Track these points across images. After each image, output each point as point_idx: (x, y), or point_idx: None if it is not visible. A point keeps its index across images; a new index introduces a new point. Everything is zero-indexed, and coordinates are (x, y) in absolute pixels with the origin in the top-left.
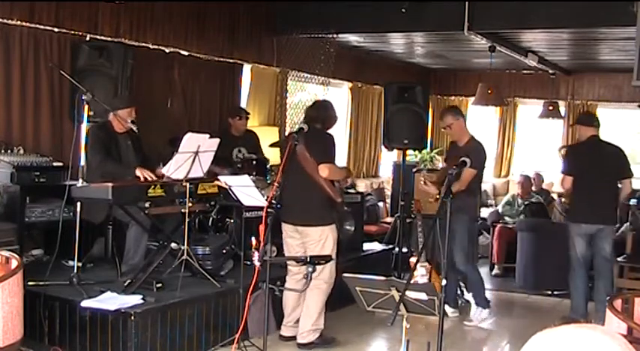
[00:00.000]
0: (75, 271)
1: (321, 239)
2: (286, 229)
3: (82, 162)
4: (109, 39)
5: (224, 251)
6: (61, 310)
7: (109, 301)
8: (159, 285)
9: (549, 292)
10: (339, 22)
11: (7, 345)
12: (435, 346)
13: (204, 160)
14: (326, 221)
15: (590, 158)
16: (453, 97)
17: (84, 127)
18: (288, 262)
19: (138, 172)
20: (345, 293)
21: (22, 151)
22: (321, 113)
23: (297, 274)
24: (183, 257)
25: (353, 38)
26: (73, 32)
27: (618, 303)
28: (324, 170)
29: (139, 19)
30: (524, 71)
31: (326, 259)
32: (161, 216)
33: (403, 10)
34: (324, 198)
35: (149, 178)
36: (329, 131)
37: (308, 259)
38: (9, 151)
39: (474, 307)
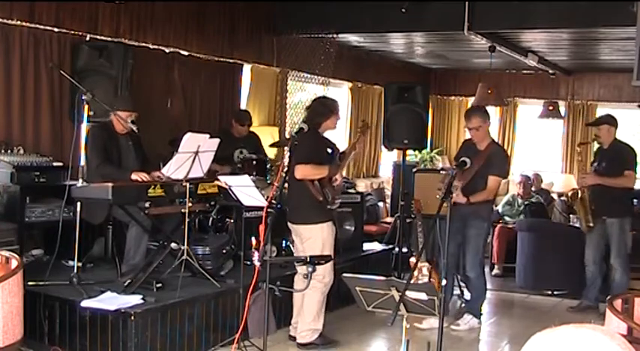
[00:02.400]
0: (75, 271)
1: (310, 237)
2: (290, 228)
3: (82, 162)
4: (109, 39)
5: (224, 251)
6: (61, 310)
7: (109, 301)
8: (159, 285)
9: (549, 292)
10: (339, 22)
11: (7, 345)
12: (435, 346)
13: (204, 160)
14: (312, 220)
15: None
16: (453, 97)
17: (84, 127)
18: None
19: (134, 176)
20: (345, 293)
21: (22, 151)
22: (309, 113)
23: (301, 273)
24: (183, 257)
25: (353, 38)
26: (73, 32)
27: (618, 303)
28: (296, 171)
29: (139, 19)
30: (524, 71)
31: (326, 259)
32: (161, 216)
33: (403, 10)
34: (310, 197)
35: (146, 181)
36: (321, 130)
37: (308, 259)
38: (9, 151)
39: (466, 314)
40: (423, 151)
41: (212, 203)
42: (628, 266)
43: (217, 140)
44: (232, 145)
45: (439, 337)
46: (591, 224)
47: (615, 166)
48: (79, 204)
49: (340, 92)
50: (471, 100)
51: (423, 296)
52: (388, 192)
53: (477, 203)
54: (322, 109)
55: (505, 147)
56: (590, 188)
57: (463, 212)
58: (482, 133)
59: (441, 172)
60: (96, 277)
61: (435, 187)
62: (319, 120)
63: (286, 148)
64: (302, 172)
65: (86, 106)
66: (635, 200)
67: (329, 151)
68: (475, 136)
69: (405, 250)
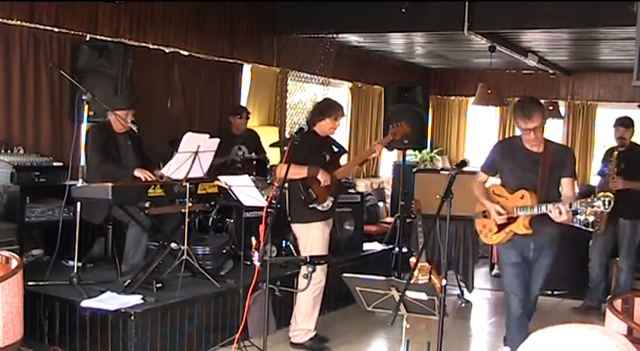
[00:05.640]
0: (75, 271)
1: (300, 236)
2: None
3: (82, 162)
4: (109, 39)
5: (224, 251)
6: (61, 310)
7: (109, 301)
8: (159, 285)
9: (549, 292)
10: (339, 22)
11: (7, 345)
12: (435, 346)
13: (204, 160)
14: (300, 219)
15: None
16: (453, 97)
17: (84, 127)
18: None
19: (137, 173)
20: (345, 293)
21: (22, 151)
22: (309, 112)
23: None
24: (183, 257)
25: (353, 38)
26: (73, 32)
27: (618, 303)
28: (278, 169)
29: (139, 19)
30: (524, 71)
31: (326, 259)
32: (161, 216)
33: (403, 10)
34: (297, 196)
35: (148, 179)
36: (318, 131)
37: (308, 259)
38: (9, 151)
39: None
40: (423, 151)
41: (212, 203)
42: (634, 268)
43: (217, 140)
44: (231, 142)
45: (439, 337)
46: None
47: (634, 167)
48: (79, 204)
49: (340, 92)
50: (471, 100)
51: (423, 296)
52: (388, 192)
53: (551, 225)
54: (316, 110)
55: None
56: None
57: (540, 241)
58: (542, 132)
59: (441, 172)
60: (96, 277)
61: (434, 186)
62: (313, 120)
63: (286, 148)
64: (279, 170)
65: (86, 106)
66: None
67: (324, 152)
68: (536, 137)
69: (405, 250)
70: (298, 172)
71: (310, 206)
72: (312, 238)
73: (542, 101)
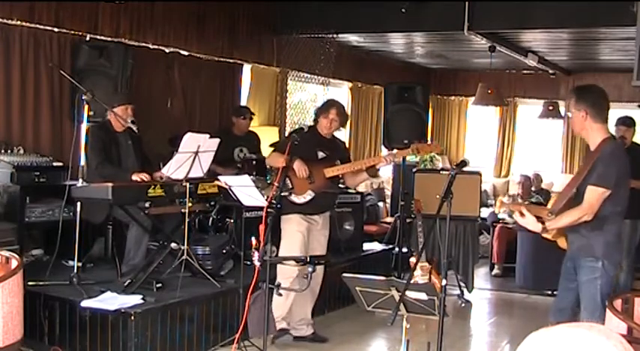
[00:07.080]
0: (75, 271)
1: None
2: None
3: (82, 162)
4: (109, 39)
5: (224, 251)
6: (61, 310)
7: (109, 301)
8: (159, 285)
9: (549, 292)
10: (339, 22)
11: (7, 345)
12: (435, 346)
13: (204, 160)
14: (282, 211)
15: None
16: (453, 97)
17: (84, 127)
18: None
19: (135, 177)
20: (345, 293)
21: (22, 151)
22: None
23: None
24: (183, 257)
25: (353, 38)
26: (73, 32)
27: (618, 303)
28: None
29: (139, 19)
30: (524, 71)
31: (325, 259)
32: (161, 216)
33: (403, 10)
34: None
35: (145, 180)
36: (319, 129)
37: (308, 259)
38: (9, 151)
39: None
40: None
41: (212, 203)
42: (634, 267)
43: (217, 140)
44: (233, 143)
45: (439, 337)
46: None
47: (634, 167)
48: (79, 204)
49: (340, 92)
50: (471, 100)
51: (423, 296)
52: (388, 192)
53: (579, 233)
54: (317, 108)
55: (505, 147)
56: None
57: (571, 249)
58: (576, 122)
59: (441, 172)
60: (96, 277)
61: (435, 186)
62: (314, 118)
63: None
64: (268, 158)
65: (86, 106)
66: None
67: (318, 149)
68: (571, 121)
69: (405, 250)
70: (276, 159)
71: (282, 194)
72: (285, 231)
73: (542, 101)
